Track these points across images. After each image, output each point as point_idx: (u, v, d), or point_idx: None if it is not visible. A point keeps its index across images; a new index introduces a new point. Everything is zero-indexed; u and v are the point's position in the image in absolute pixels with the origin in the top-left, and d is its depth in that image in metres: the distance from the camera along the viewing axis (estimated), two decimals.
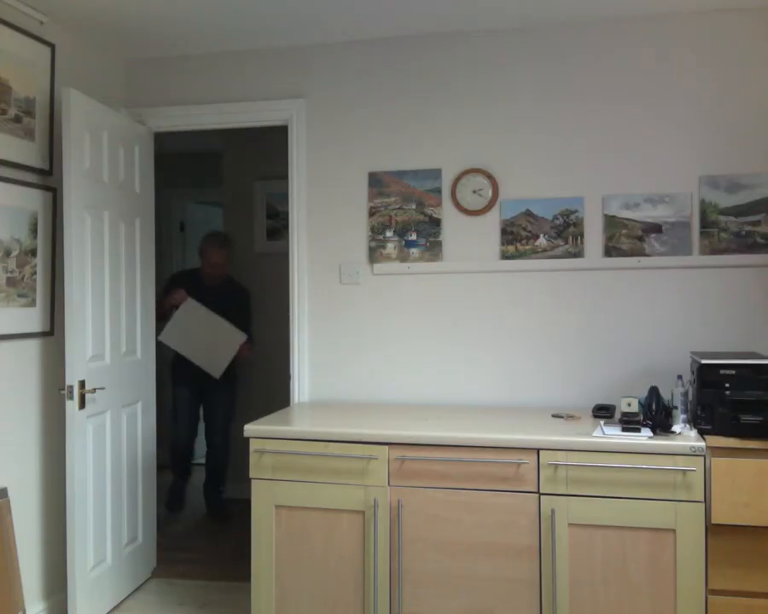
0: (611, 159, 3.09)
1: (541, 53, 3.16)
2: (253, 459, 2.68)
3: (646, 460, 2.39)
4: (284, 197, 4.60)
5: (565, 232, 3.12)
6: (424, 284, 3.27)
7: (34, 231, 2.97)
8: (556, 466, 2.46)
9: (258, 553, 2.68)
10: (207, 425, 4.56)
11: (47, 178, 3.05)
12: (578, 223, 3.11)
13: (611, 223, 3.08)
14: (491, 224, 3.20)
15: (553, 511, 2.45)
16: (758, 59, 2.97)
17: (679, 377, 2.64)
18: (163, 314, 4.17)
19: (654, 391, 2.58)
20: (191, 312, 4.12)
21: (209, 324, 4.13)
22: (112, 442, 3.21)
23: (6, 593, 2.67)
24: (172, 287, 4.31)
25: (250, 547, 2.71)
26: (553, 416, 2.87)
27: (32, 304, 2.96)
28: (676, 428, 2.50)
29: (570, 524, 2.45)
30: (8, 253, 2.83)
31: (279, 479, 2.66)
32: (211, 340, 4.14)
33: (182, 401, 4.50)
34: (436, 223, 3.25)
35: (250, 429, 2.69)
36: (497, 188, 3.19)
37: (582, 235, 3.11)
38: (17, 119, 2.87)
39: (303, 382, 3.37)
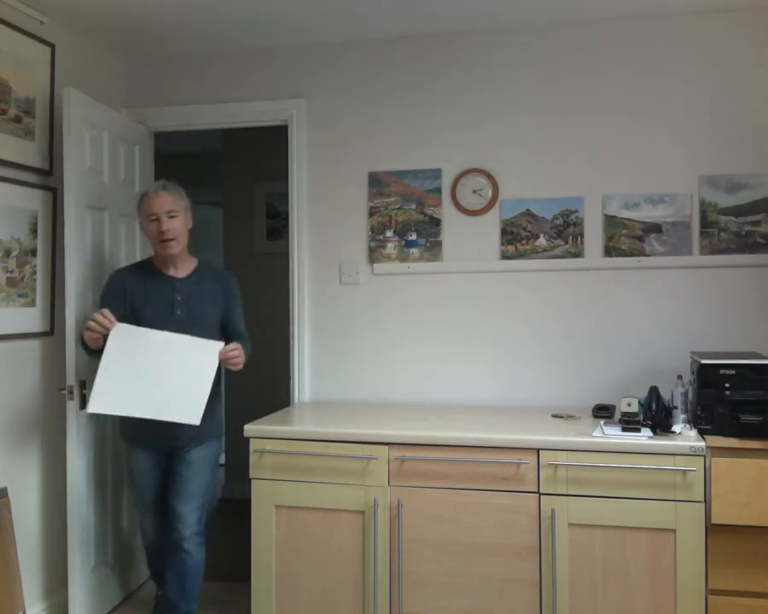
0: (611, 159, 3.09)
1: (541, 53, 3.16)
2: (253, 459, 2.68)
3: (646, 460, 2.39)
4: (284, 197, 4.60)
5: (565, 232, 3.12)
6: (424, 284, 3.27)
7: (34, 231, 2.97)
8: (556, 466, 2.46)
9: (258, 553, 2.68)
10: (176, 495, 2.74)
11: (47, 178, 3.05)
12: (578, 223, 3.11)
13: (611, 222, 3.08)
14: (490, 224, 3.20)
15: (553, 511, 2.45)
16: (757, 59, 2.97)
17: (679, 377, 2.64)
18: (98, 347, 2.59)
19: (654, 391, 2.58)
20: (129, 343, 2.54)
21: (164, 350, 2.56)
22: (112, 442, 3.21)
23: (6, 593, 2.67)
24: (106, 302, 2.70)
25: (250, 547, 2.71)
26: (553, 416, 2.87)
27: (32, 303, 2.96)
28: (676, 428, 2.50)
29: (570, 524, 2.45)
30: (8, 253, 2.83)
31: (279, 479, 2.66)
32: (175, 374, 2.56)
33: (142, 473, 2.83)
34: (436, 222, 3.25)
35: (250, 429, 2.69)
36: (497, 187, 3.19)
37: (582, 235, 3.11)
38: (17, 119, 2.87)
39: (303, 382, 3.37)
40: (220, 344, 2.62)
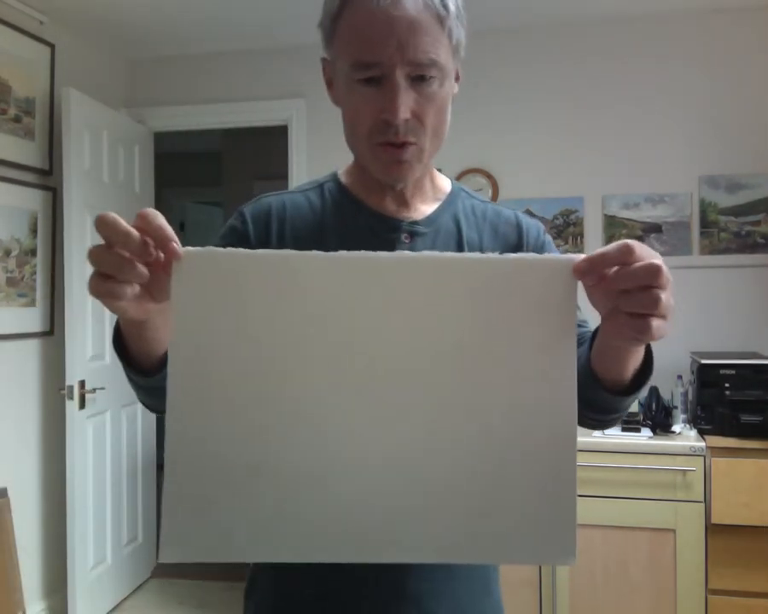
0: (611, 159, 3.09)
1: (541, 53, 3.16)
2: None
3: (646, 460, 2.39)
4: None
5: (565, 232, 3.12)
6: None
7: (34, 231, 2.97)
8: None
9: None
10: None
11: (47, 178, 3.05)
12: (578, 223, 3.11)
13: (611, 222, 3.08)
14: None
15: None
16: (757, 58, 2.97)
17: (679, 377, 2.64)
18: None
19: (654, 391, 2.58)
20: (257, 308, 0.69)
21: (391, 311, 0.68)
22: (112, 442, 3.21)
23: (6, 593, 2.67)
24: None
25: None
26: None
27: (32, 303, 2.96)
28: (676, 428, 2.50)
29: None
30: (8, 253, 2.83)
31: None
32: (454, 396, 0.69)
33: None
34: None
35: None
36: (497, 187, 3.18)
37: (582, 235, 3.11)
38: (17, 119, 2.87)
39: None
40: (573, 258, 0.71)
